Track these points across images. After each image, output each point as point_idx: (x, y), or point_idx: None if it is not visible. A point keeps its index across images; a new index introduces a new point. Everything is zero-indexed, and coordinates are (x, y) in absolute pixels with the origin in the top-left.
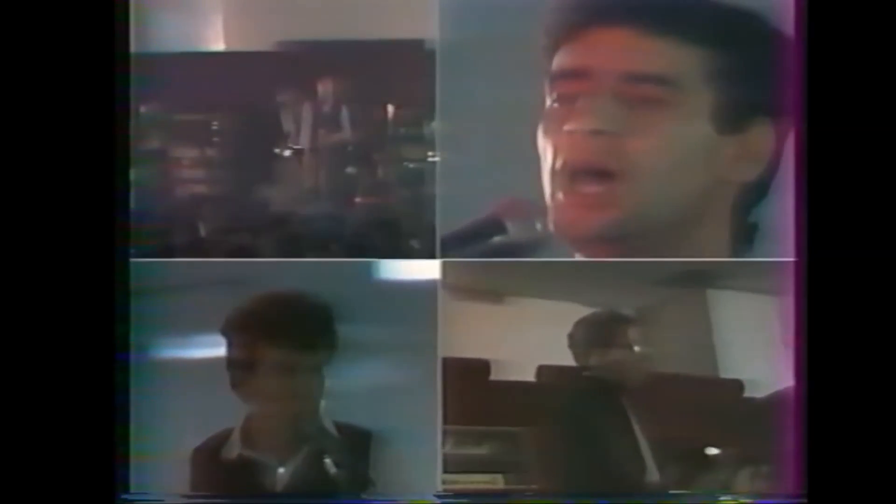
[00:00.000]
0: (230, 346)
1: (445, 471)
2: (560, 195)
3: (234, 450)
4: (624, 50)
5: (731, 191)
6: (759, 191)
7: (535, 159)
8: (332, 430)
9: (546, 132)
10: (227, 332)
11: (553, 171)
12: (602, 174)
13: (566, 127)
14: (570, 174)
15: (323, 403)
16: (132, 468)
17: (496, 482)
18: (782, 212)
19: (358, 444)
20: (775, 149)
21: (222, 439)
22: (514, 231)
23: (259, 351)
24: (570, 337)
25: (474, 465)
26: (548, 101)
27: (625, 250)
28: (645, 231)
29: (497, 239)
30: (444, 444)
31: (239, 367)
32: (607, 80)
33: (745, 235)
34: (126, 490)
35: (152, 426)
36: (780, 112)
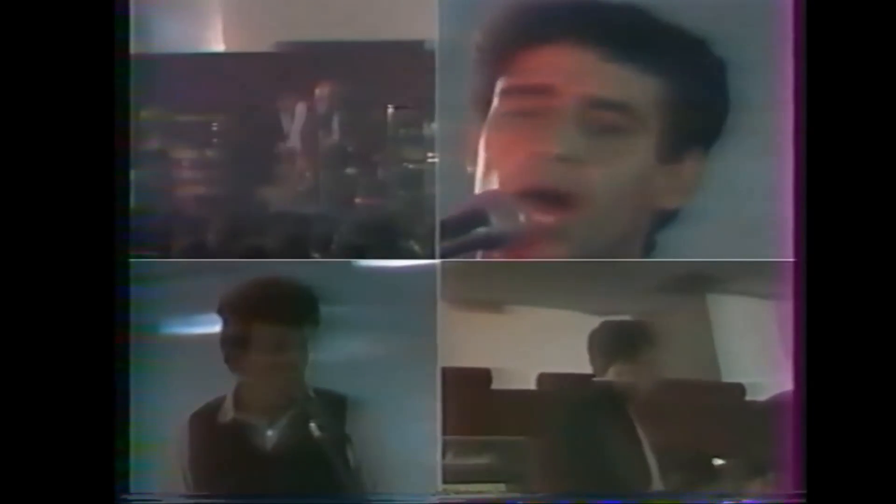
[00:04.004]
0: (225, 324)
1: (447, 481)
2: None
3: (228, 414)
4: (585, 72)
5: (650, 217)
6: (672, 216)
7: None
8: (314, 395)
9: (497, 149)
10: (222, 312)
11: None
12: (558, 200)
13: (528, 149)
14: (526, 198)
15: (307, 373)
16: (132, 463)
17: (499, 492)
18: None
19: (336, 408)
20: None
21: (216, 406)
22: (498, 222)
23: (251, 328)
24: (590, 348)
25: (476, 474)
26: (493, 111)
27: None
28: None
29: (481, 230)
30: (445, 454)
31: (232, 344)
32: (569, 101)
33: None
34: (126, 489)
35: (151, 404)
36: (715, 141)
